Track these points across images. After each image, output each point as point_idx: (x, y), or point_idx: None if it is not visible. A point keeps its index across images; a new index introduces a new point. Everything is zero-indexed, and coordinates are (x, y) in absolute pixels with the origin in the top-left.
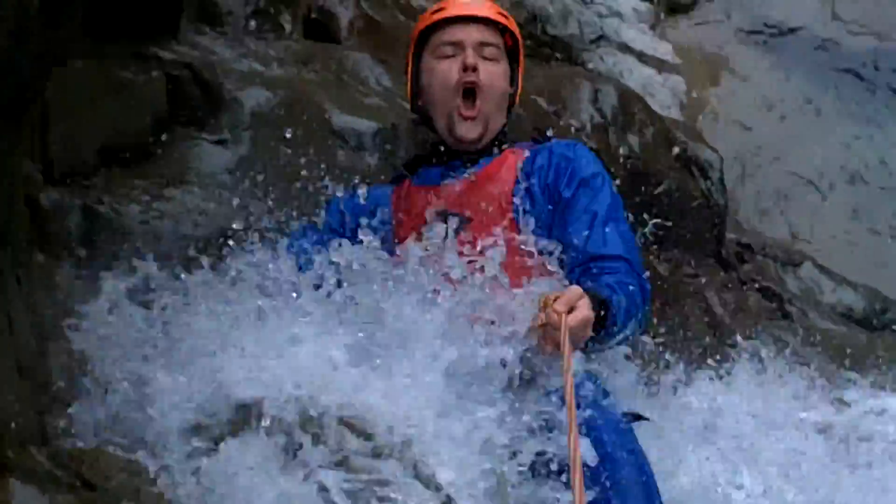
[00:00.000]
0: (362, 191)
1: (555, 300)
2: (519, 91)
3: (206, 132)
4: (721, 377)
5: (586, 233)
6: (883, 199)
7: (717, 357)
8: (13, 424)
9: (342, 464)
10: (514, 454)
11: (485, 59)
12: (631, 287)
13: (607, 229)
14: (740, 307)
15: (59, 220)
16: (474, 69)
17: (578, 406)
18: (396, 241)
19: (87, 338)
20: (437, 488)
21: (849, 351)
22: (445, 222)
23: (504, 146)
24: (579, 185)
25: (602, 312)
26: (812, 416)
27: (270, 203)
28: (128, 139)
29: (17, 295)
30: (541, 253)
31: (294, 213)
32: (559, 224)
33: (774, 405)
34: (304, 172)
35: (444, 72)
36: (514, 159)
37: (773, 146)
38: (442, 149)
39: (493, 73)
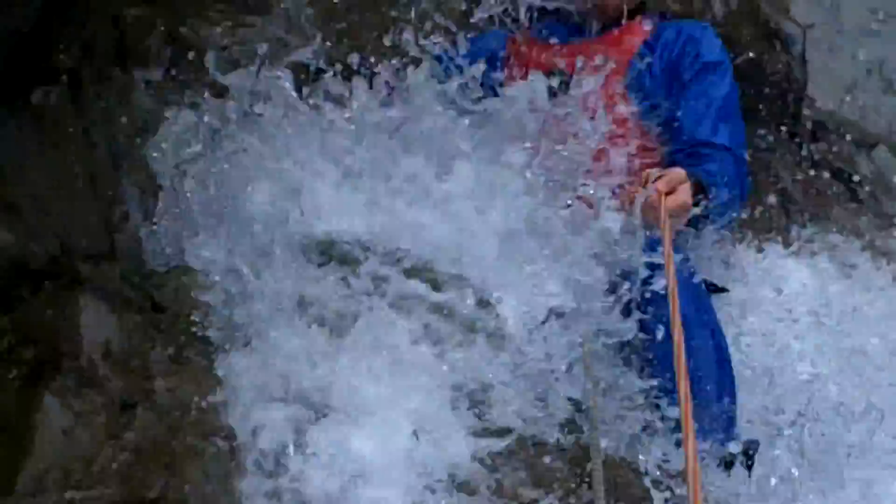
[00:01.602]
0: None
1: (657, 179)
2: None
3: None
4: (791, 254)
5: (699, 117)
6: None
7: (788, 234)
8: (84, 239)
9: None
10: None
11: None
12: (735, 180)
13: (720, 118)
14: (812, 186)
15: (141, 37)
16: None
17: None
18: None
19: (163, 159)
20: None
21: None
22: (559, 78)
23: (636, 17)
24: (701, 70)
25: (701, 199)
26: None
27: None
28: None
29: (96, 109)
30: (646, 128)
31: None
32: (673, 103)
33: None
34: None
35: None
36: (639, 31)
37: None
38: (571, 9)
39: None
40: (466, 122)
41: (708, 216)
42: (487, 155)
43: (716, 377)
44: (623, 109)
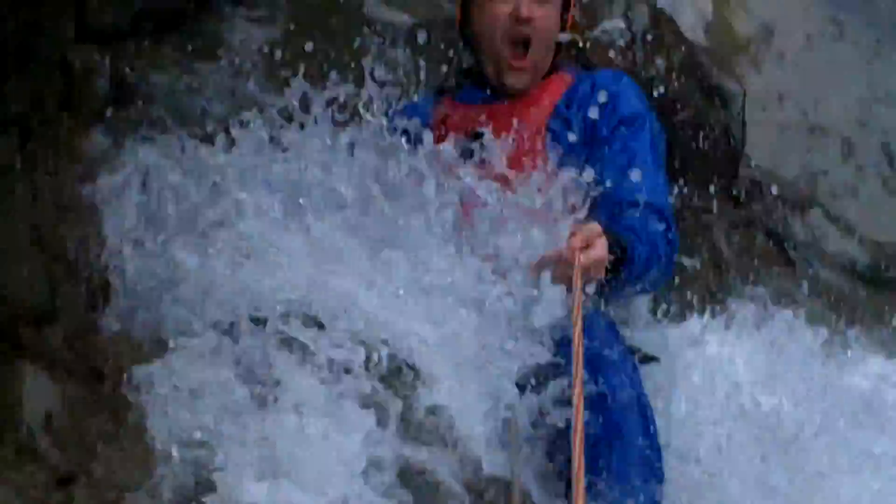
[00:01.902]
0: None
1: (571, 235)
2: (568, 27)
3: (243, 6)
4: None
5: (619, 174)
6: None
7: (719, 297)
8: (27, 299)
9: None
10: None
11: (539, 1)
12: (656, 237)
13: (642, 175)
14: (746, 248)
15: (89, 82)
16: (528, 20)
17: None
18: None
19: (109, 211)
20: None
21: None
22: (479, 141)
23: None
24: (619, 124)
25: (620, 256)
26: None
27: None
28: (163, 4)
29: (43, 161)
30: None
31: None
32: (592, 161)
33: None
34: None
35: (497, 17)
36: (557, 87)
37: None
38: (486, 80)
39: (546, 18)
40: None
41: (630, 275)
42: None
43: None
44: (542, 169)
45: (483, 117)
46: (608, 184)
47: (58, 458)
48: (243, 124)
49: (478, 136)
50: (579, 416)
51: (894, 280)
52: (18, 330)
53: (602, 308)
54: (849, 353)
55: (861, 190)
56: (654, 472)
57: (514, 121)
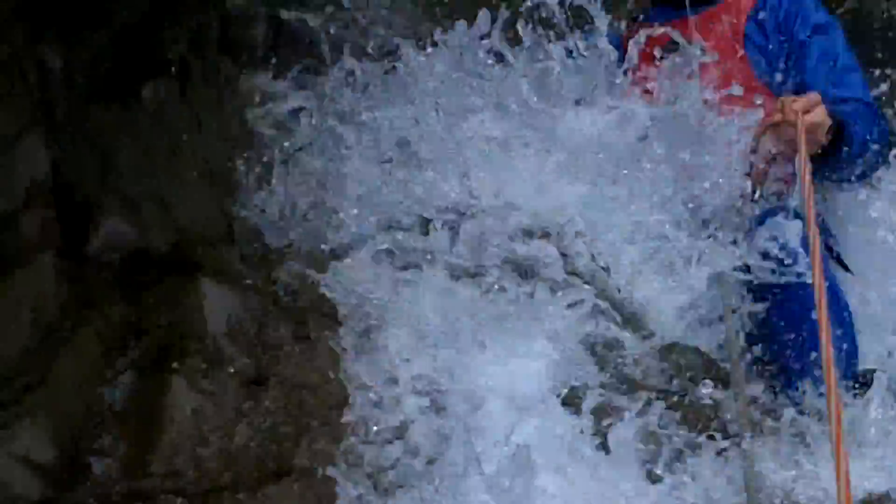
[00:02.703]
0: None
1: (793, 102)
2: None
3: None
4: None
5: (825, 77)
6: None
7: None
8: (201, 225)
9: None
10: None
11: None
12: (871, 125)
13: (848, 74)
14: None
15: (246, 27)
16: None
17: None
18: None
19: (276, 143)
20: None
21: None
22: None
23: None
24: (815, 30)
25: (837, 132)
26: None
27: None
28: None
29: (206, 100)
30: (771, 90)
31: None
32: (796, 67)
33: None
34: None
35: None
36: None
37: None
38: None
39: None
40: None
41: (849, 154)
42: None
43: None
44: (748, 74)
45: (680, 28)
46: (816, 86)
47: (244, 363)
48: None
49: (674, 46)
50: (821, 292)
51: None
52: (196, 252)
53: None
54: None
55: None
56: (846, 332)
57: (713, 28)
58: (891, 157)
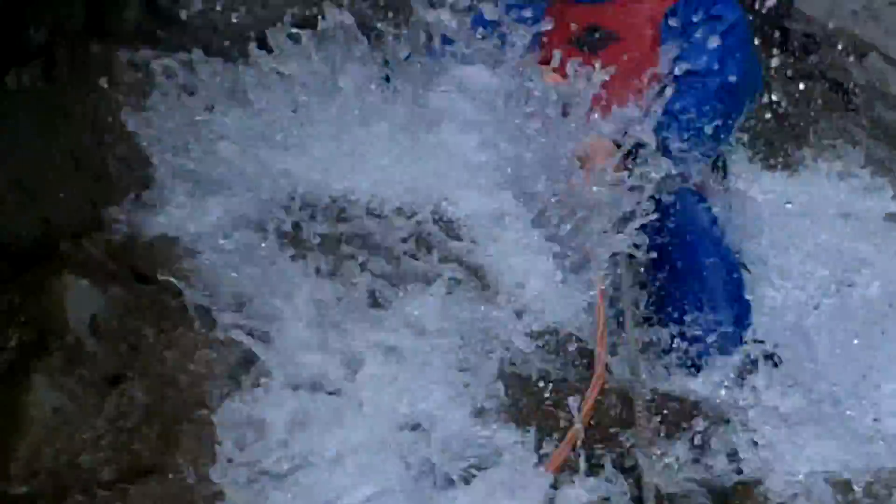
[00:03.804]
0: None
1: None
2: None
3: None
4: (787, 169)
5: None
6: None
7: (784, 149)
8: (68, 216)
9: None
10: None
11: None
12: (711, 109)
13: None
14: (806, 100)
15: (118, 10)
16: None
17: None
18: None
19: (144, 129)
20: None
21: None
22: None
23: None
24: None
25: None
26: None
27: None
28: None
29: (73, 86)
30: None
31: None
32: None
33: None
34: None
35: None
36: None
37: None
38: None
39: None
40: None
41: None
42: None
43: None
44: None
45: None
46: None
47: (107, 360)
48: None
49: (593, 30)
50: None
51: None
52: (59, 244)
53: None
54: None
55: None
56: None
57: (633, 15)
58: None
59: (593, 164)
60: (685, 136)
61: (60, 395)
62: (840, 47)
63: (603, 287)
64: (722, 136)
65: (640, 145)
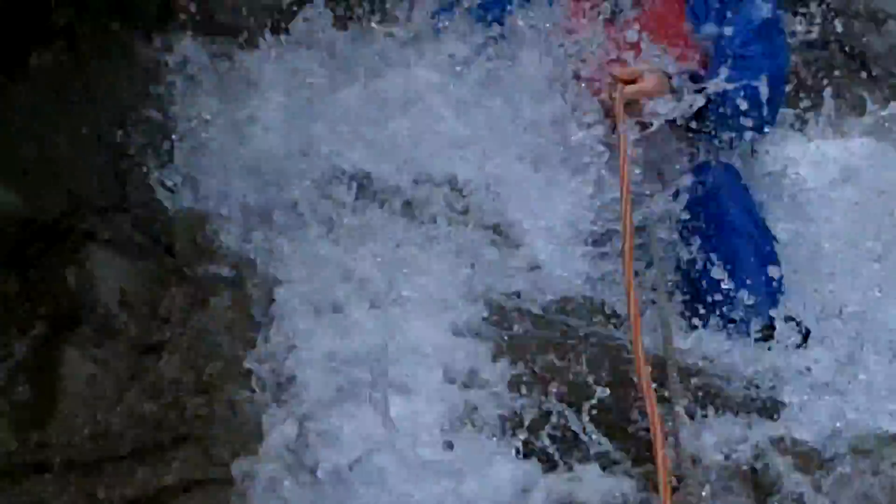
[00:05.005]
0: None
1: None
2: None
3: None
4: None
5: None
6: None
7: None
8: (93, 192)
9: None
10: None
11: None
12: (749, 91)
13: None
14: (824, 67)
15: None
16: None
17: None
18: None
19: (167, 105)
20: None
21: None
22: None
23: None
24: None
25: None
26: None
27: None
28: None
29: (96, 65)
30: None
31: None
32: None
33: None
34: None
35: None
36: None
37: None
38: None
39: None
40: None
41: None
42: None
43: (755, 248)
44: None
45: None
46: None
47: (137, 331)
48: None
49: None
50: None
51: None
52: (87, 219)
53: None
54: None
55: None
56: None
57: None
58: None
59: (644, 90)
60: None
61: (93, 367)
62: (858, 14)
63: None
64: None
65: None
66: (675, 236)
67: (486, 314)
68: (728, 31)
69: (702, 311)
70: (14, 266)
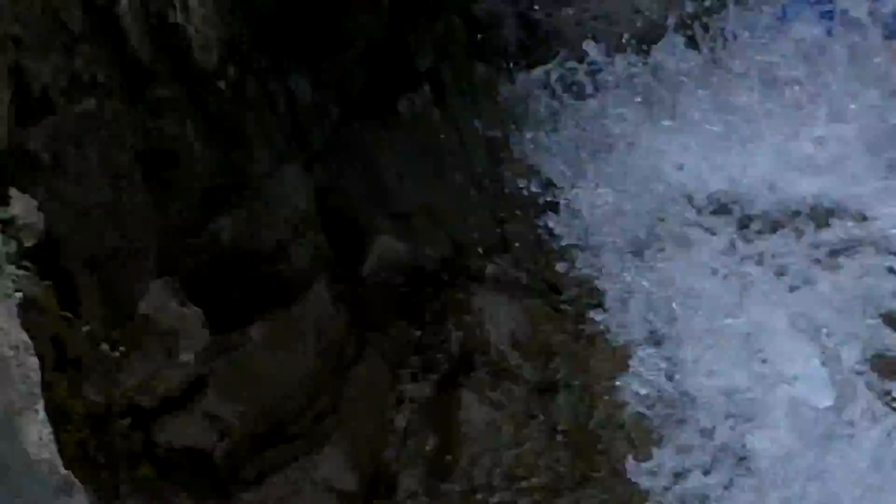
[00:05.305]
0: None
1: None
2: None
3: None
4: None
5: None
6: None
7: None
8: (475, 235)
9: None
10: None
11: None
12: None
13: None
14: None
15: (495, 28)
16: None
17: None
18: None
19: (538, 145)
20: None
21: None
22: None
23: None
24: None
25: None
26: None
27: None
28: None
29: (463, 105)
30: None
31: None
32: None
33: None
34: None
35: None
36: None
37: None
38: None
39: None
40: None
41: None
42: None
43: None
44: None
45: None
46: None
47: (531, 371)
48: None
49: None
50: None
51: None
52: (470, 262)
53: None
54: None
55: None
56: None
57: None
58: None
59: None
60: None
61: (491, 409)
62: None
63: None
64: None
65: None
66: None
67: None
68: None
69: None
70: (404, 314)
